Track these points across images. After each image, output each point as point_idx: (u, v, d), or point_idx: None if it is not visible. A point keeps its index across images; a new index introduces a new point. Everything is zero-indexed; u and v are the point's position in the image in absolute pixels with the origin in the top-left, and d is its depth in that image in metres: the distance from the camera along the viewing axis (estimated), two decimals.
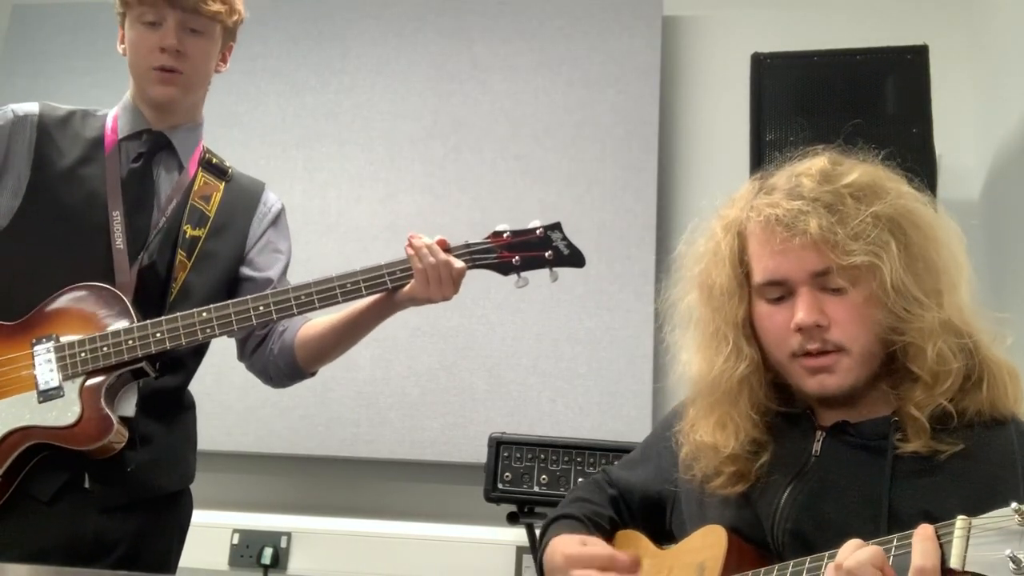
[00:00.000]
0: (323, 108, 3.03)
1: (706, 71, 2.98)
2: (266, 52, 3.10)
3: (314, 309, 1.62)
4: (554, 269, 1.67)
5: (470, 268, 1.65)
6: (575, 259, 1.67)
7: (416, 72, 3.02)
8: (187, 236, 1.67)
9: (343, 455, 2.76)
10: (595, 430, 2.61)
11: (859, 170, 1.15)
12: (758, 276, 1.15)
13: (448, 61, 3.01)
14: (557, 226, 1.68)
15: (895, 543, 0.91)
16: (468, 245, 1.66)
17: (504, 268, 1.66)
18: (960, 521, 0.84)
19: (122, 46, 1.71)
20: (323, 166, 2.99)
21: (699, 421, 1.22)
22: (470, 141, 2.93)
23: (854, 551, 0.92)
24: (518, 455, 2.25)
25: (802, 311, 1.10)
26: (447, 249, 1.64)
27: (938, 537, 0.87)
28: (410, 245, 1.62)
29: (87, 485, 1.55)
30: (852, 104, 2.31)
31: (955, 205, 2.58)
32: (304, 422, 2.78)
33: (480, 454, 2.31)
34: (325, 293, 1.60)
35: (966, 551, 0.83)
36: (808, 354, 1.11)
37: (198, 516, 2.71)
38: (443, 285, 1.61)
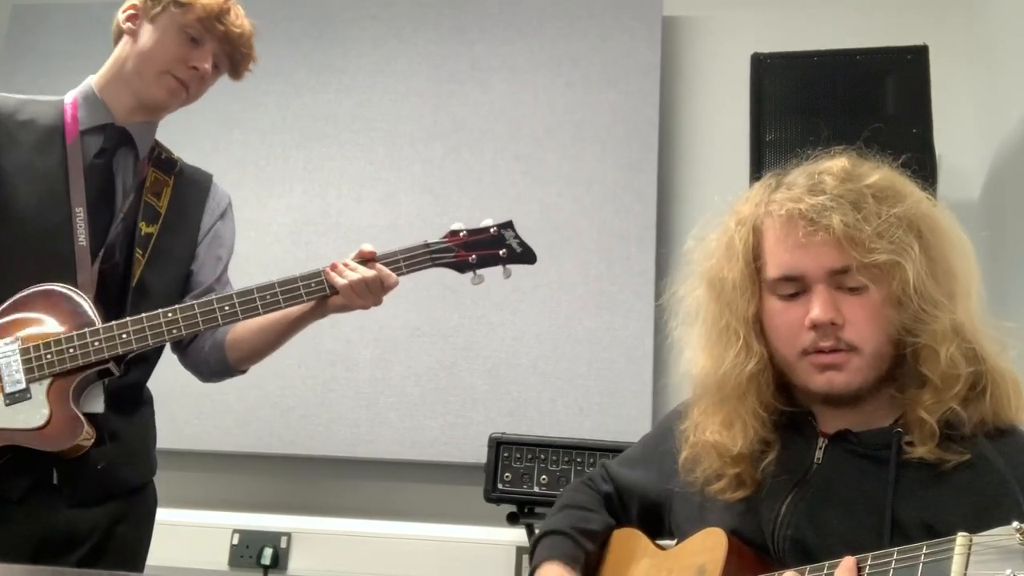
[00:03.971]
0: (323, 108, 3.03)
1: (706, 71, 2.98)
2: (266, 52, 3.06)
3: (249, 316, 1.64)
4: (507, 266, 1.73)
5: (429, 267, 1.71)
6: (527, 256, 1.73)
7: (416, 72, 3.02)
8: (142, 233, 1.67)
9: (343, 455, 2.76)
10: (595, 430, 2.61)
11: (879, 172, 1.15)
12: (773, 271, 1.14)
13: (448, 61, 3.01)
14: (509, 224, 1.73)
15: (824, 572, 0.95)
16: (427, 245, 1.70)
17: (461, 266, 1.71)
18: (961, 538, 0.84)
19: (131, 24, 1.67)
20: (323, 166, 2.99)
21: (705, 420, 1.21)
22: (470, 141, 2.93)
23: None
24: (518, 455, 2.25)
25: (818, 308, 1.09)
26: (374, 258, 1.68)
27: (933, 553, 0.87)
28: (329, 270, 1.65)
29: (56, 482, 1.55)
30: (852, 104, 2.31)
31: (955, 205, 2.56)
32: (304, 422, 2.78)
33: (480, 454, 2.31)
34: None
35: (966, 569, 0.82)
36: (819, 351, 1.10)
37: (198, 516, 2.75)
38: (373, 294, 1.66)
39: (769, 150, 2.32)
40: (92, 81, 1.72)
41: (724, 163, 2.82)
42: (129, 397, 1.69)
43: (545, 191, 2.86)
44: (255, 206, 2.97)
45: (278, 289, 1.64)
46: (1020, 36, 2.49)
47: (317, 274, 1.66)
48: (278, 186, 2.99)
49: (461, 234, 1.72)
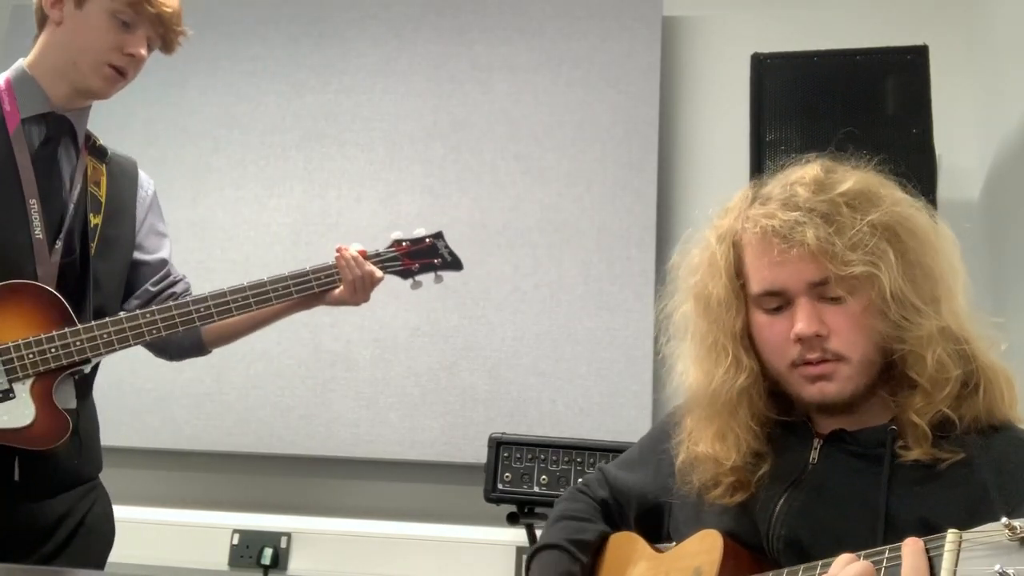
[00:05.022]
0: (323, 108, 3.04)
1: (706, 71, 2.98)
2: (266, 52, 3.10)
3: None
4: (439, 273, 1.90)
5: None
6: (455, 264, 1.91)
7: (416, 72, 3.02)
8: (91, 224, 1.67)
9: (343, 455, 2.76)
10: (595, 430, 2.61)
11: (853, 178, 1.14)
12: (755, 287, 1.15)
13: (448, 61, 3.01)
14: (440, 235, 1.90)
15: (886, 555, 0.91)
16: (379, 254, 1.86)
17: (406, 274, 1.88)
18: (951, 535, 0.84)
19: (56, 12, 1.62)
20: (323, 166, 2.99)
21: (698, 432, 1.21)
22: (470, 141, 2.94)
23: (844, 567, 0.92)
24: (518, 455, 2.25)
25: (801, 321, 1.09)
26: (367, 257, 1.82)
27: (927, 551, 0.87)
28: (340, 257, 1.78)
29: (17, 478, 1.55)
30: (852, 104, 2.31)
31: (955, 205, 2.58)
32: (304, 422, 2.78)
33: (480, 454, 2.31)
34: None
35: (956, 565, 0.82)
36: (807, 363, 1.11)
37: (198, 516, 2.75)
38: (366, 291, 1.81)
39: (769, 150, 2.32)
40: (24, 64, 1.66)
41: (724, 163, 2.82)
42: (84, 391, 1.70)
43: (545, 191, 2.86)
44: (255, 206, 2.97)
45: (249, 292, 1.71)
46: (1020, 36, 2.49)
47: (329, 267, 1.77)
48: (278, 186, 2.99)
49: (404, 244, 1.88)
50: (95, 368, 1.73)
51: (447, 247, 1.90)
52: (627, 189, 2.82)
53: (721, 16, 3.01)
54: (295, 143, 3.02)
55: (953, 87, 2.63)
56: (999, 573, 0.78)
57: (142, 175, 1.85)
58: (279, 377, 2.81)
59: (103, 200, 1.71)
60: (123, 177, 1.79)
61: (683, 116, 2.96)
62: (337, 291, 1.79)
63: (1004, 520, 0.79)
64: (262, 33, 3.11)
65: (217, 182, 3.01)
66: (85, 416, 1.69)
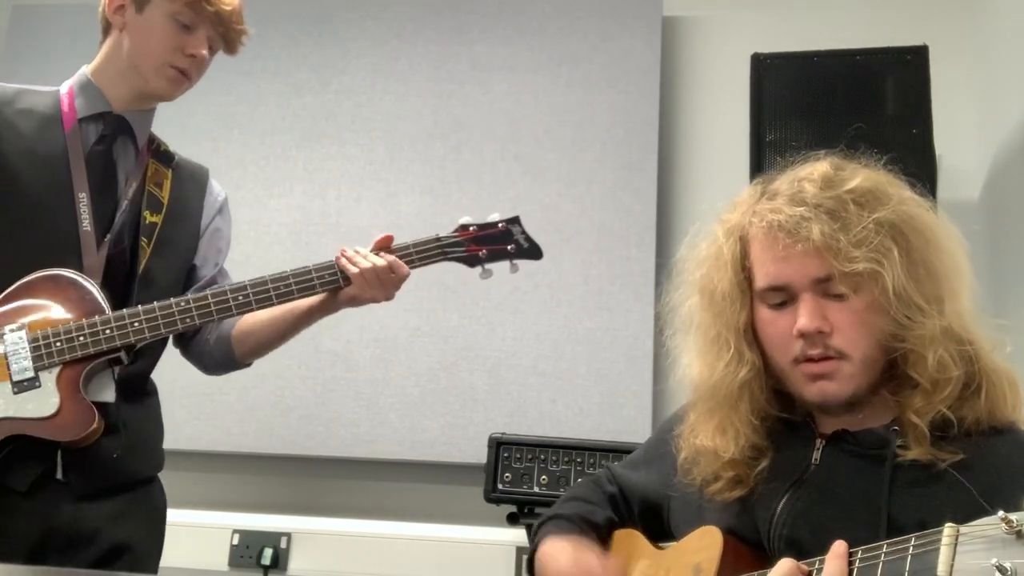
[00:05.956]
0: (323, 108, 3.04)
1: (706, 71, 2.98)
2: (266, 52, 3.10)
3: (274, 303, 1.65)
4: (514, 261, 1.74)
5: (441, 261, 1.71)
6: (534, 252, 1.75)
7: (416, 72, 3.02)
8: (147, 222, 1.67)
9: (343, 455, 2.76)
10: (595, 430, 2.61)
11: (861, 175, 1.14)
12: (760, 281, 1.15)
13: (448, 61, 3.01)
14: (516, 220, 1.74)
15: (816, 565, 0.95)
16: (439, 238, 1.71)
17: (472, 261, 1.72)
18: (948, 529, 0.84)
19: (118, 18, 1.64)
20: (323, 166, 2.99)
21: (699, 425, 1.22)
22: (470, 141, 2.94)
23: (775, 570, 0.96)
24: (518, 455, 2.25)
25: (804, 317, 1.09)
26: (391, 249, 1.68)
27: (912, 547, 0.87)
28: (339, 258, 1.66)
29: (59, 475, 1.53)
30: (852, 105, 2.31)
31: (955, 206, 2.58)
32: (304, 422, 2.78)
33: (480, 454, 2.32)
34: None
35: (953, 559, 0.83)
36: (809, 360, 1.11)
37: (198, 516, 2.75)
38: (384, 286, 1.66)
39: (769, 150, 2.32)
40: (87, 70, 1.70)
41: (724, 163, 2.82)
42: (135, 386, 1.68)
43: (545, 191, 2.86)
44: (255, 206, 2.97)
45: (292, 280, 1.64)
46: (1020, 36, 2.49)
47: (331, 264, 1.67)
48: (278, 186, 2.99)
49: (471, 228, 1.73)
50: (148, 363, 1.71)
51: (524, 232, 1.73)
52: (627, 189, 2.82)
53: (721, 16, 3.01)
54: (295, 143, 3.02)
55: (953, 87, 2.63)
56: (996, 566, 0.78)
57: (213, 183, 1.85)
58: (279, 377, 2.81)
59: (165, 201, 1.71)
60: (191, 183, 1.79)
61: (683, 116, 2.96)
62: (348, 288, 1.67)
63: (1001, 513, 0.80)
64: (262, 33, 3.09)
65: (212, 177, 3.00)
66: (135, 411, 1.65)
